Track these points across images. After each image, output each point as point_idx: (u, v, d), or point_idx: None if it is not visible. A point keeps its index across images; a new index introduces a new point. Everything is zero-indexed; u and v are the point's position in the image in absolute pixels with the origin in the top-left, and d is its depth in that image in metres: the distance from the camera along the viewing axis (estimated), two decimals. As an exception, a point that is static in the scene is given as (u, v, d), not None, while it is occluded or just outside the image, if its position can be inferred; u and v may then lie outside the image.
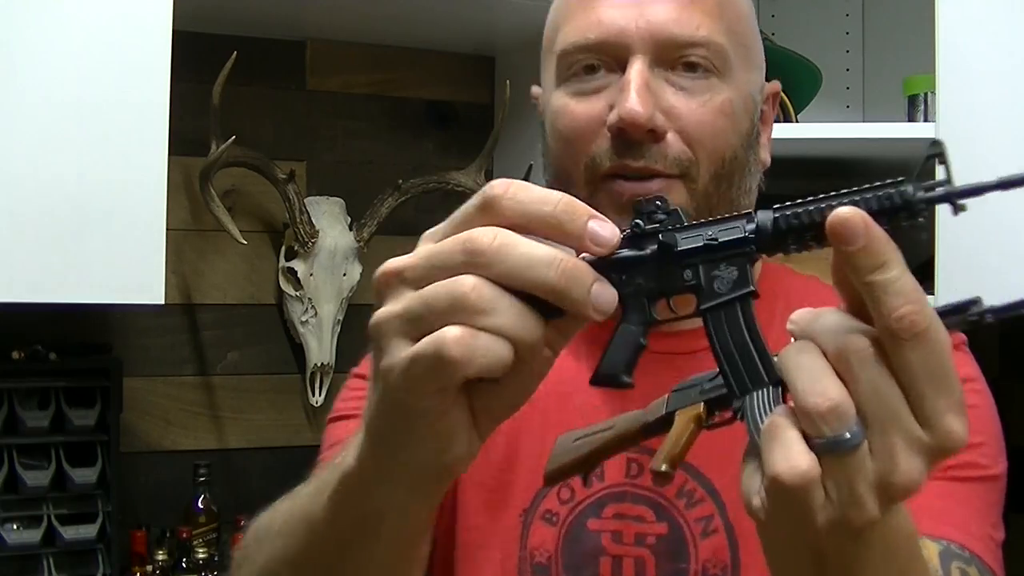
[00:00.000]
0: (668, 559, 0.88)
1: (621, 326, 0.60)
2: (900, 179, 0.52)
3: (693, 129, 0.88)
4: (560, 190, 0.89)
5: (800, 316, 0.53)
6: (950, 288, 1.71)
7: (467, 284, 0.52)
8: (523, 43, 2.06)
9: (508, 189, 0.55)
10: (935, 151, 0.52)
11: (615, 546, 0.89)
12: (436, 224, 0.57)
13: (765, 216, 0.55)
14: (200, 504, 2.02)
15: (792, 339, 0.53)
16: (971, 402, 0.65)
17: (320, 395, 2.18)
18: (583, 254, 0.56)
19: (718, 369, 0.57)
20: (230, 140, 1.93)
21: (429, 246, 0.56)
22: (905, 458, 0.49)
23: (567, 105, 0.91)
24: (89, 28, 1.68)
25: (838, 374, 0.50)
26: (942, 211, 0.52)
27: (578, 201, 0.55)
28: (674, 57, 0.88)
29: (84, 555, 1.86)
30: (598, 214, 0.55)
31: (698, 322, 0.57)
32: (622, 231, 0.57)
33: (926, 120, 1.89)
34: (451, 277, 0.53)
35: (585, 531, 0.89)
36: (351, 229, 2.18)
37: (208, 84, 1.93)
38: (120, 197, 1.69)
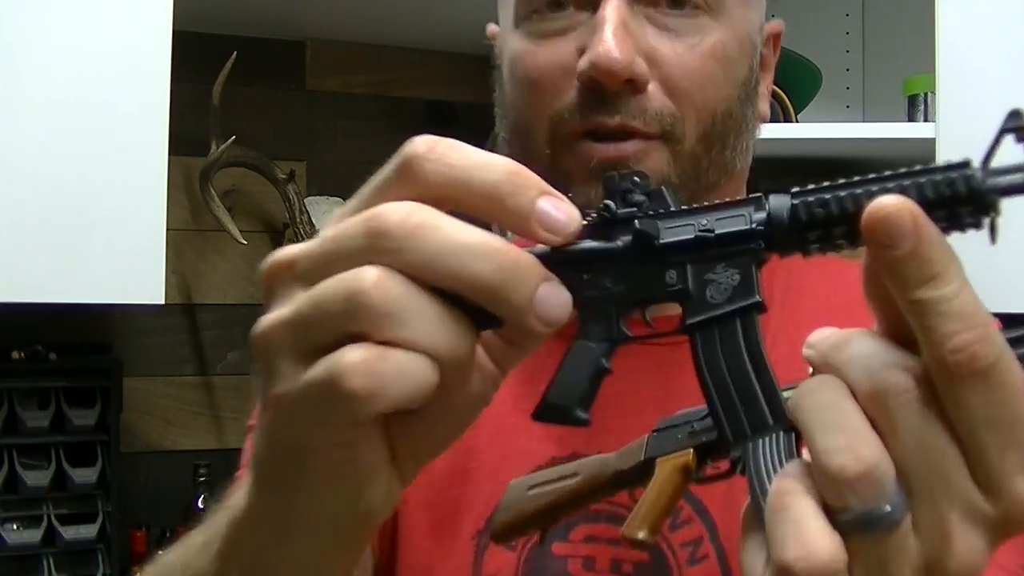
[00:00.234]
0: None
1: (577, 343, 0.46)
2: (965, 160, 0.39)
3: (679, 78, 0.72)
4: (518, 152, 0.73)
5: (821, 339, 0.41)
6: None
7: (367, 279, 0.39)
8: (523, 43, 2.06)
9: (435, 148, 0.42)
10: (1015, 124, 0.38)
11: (585, 574, 0.73)
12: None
13: (780, 202, 0.42)
14: (200, 504, 2.02)
15: (809, 367, 0.41)
16: None
17: (320, 395, 2.18)
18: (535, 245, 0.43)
19: (707, 404, 0.44)
20: (230, 140, 1.93)
21: (332, 227, 0.42)
22: (961, 536, 0.37)
23: (528, 49, 0.75)
24: (89, 28, 1.68)
25: (872, 423, 0.38)
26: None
27: (527, 170, 0.42)
28: None
29: (84, 555, 1.86)
30: (553, 190, 0.42)
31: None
32: (586, 215, 0.43)
33: (926, 120, 1.89)
34: (352, 269, 0.40)
35: (549, 556, 0.74)
36: (351, 229, 2.18)
37: (208, 84, 1.94)
38: (120, 197, 1.69)
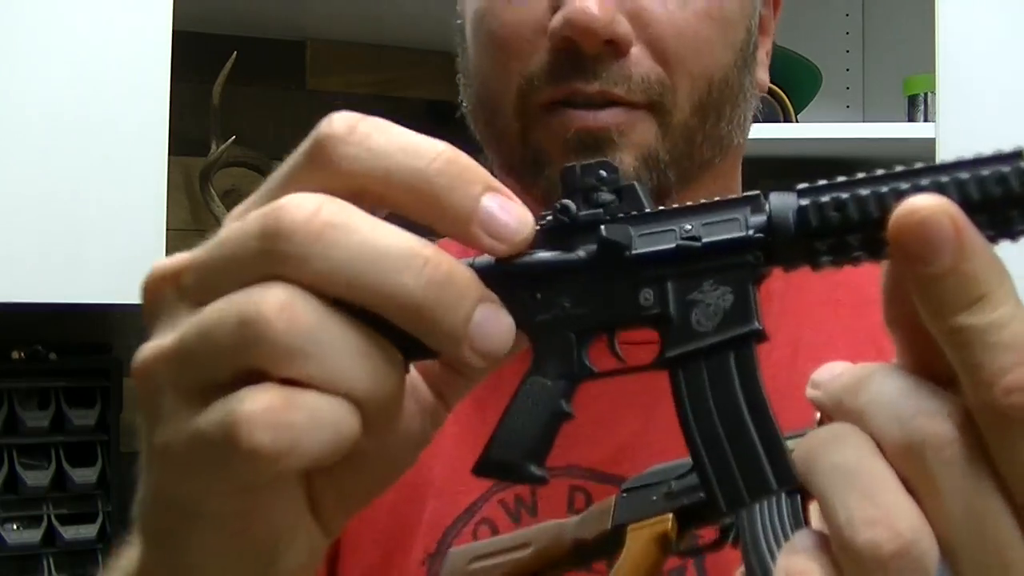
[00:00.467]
0: None
1: (529, 380, 0.36)
2: (1017, 149, 0.30)
3: (670, 40, 0.62)
4: (483, 126, 0.65)
5: (830, 378, 0.33)
6: None
7: (267, 302, 0.31)
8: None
9: (356, 128, 0.33)
10: None
11: None
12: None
13: (784, 203, 0.33)
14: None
15: (816, 411, 0.33)
16: None
17: (320, 395, 2.18)
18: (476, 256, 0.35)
19: (692, 459, 0.34)
20: (230, 140, 1.93)
21: (225, 227, 0.34)
22: None
23: (493, 5, 0.65)
24: (89, 28, 1.68)
25: (904, 483, 0.30)
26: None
27: (468, 158, 0.34)
28: None
29: (84, 555, 1.86)
30: (500, 186, 0.34)
31: None
32: (539, 218, 0.35)
33: (926, 120, 1.89)
34: (250, 285, 0.32)
35: None
36: (351, 229, 2.18)
37: (208, 84, 1.94)
38: (120, 197, 1.69)
